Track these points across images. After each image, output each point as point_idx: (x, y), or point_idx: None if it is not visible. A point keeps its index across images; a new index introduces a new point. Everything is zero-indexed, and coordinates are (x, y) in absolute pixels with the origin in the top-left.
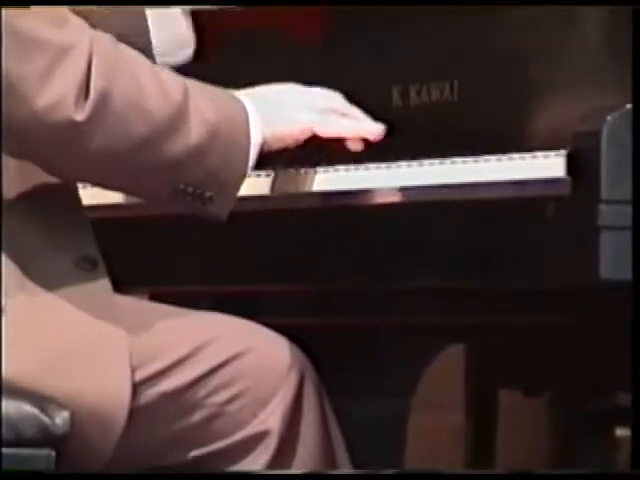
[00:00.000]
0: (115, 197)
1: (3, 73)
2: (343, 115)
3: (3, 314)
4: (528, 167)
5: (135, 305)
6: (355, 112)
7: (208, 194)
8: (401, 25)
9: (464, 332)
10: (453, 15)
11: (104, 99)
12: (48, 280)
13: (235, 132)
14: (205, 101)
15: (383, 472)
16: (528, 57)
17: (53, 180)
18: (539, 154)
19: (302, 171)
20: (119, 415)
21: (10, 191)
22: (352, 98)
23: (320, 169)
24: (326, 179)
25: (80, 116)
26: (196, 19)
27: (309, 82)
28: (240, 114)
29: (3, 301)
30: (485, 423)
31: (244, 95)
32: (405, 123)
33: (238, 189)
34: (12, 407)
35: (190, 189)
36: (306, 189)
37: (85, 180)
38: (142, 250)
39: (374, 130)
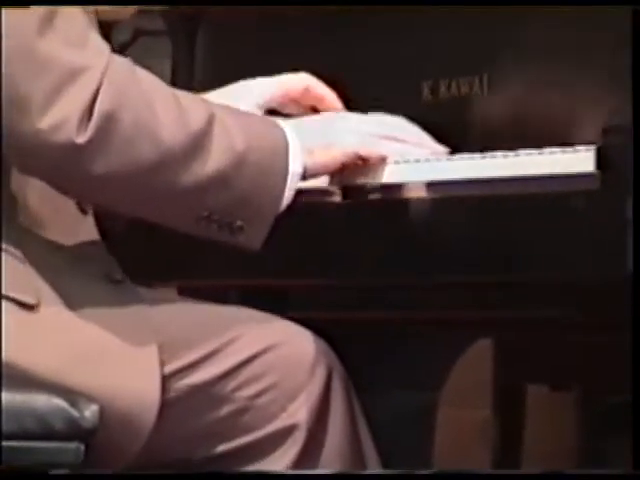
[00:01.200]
0: None
1: (6, 88)
2: (394, 139)
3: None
4: (558, 162)
5: (165, 299)
6: (416, 135)
7: (238, 223)
8: (431, 20)
9: (492, 327)
10: (482, 8)
11: (109, 122)
12: (80, 285)
13: (269, 160)
14: (234, 129)
15: (388, 473)
16: (558, 52)
17: (74, 207)
18: (569, 149)
19: None
20: (149, 412)
21: (36, 210)
22: (382, 94)
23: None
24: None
25: (81, 139)
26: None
27: (337, 78)
28: (277, 142)
29: (31, 299)
30: (513, 418)
31: (289, 122)
32: (435, 118)
33: (271, 219)
34: (42, 400)
35: (216, 216)
36: (335, 184)
37: (96, 202)
38: (171, 244)
39: (414, 154)
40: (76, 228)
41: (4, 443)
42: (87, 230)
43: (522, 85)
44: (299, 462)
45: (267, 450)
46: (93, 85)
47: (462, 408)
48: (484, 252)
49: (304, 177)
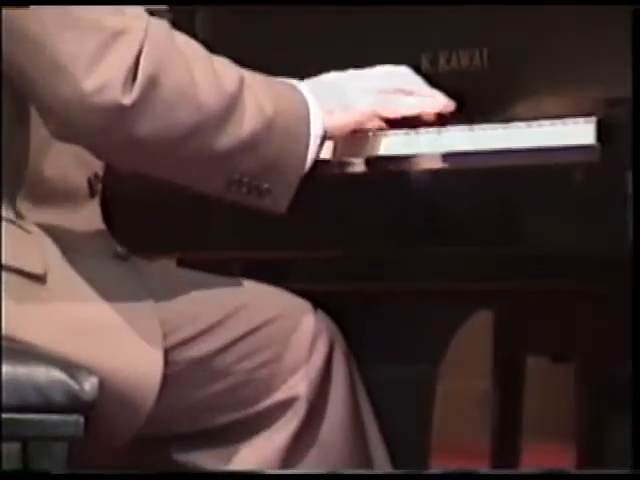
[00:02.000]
0: None
1: (43, 55)
2: (408, 93)
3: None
4: (557, 134)
5: (165, 272)
6: (421, 87)
7: (265, 186)
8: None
9: (492, 298)
10: None
11: (152, 85)
12: (86, 259)
13: (294, 124)
14: (262, 92)
15: (387, 473)
16: (559, 25)
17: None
18: (569, 121)
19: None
20: (151, 386)
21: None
22: (382, 64)
23: (347, 137)
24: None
25: (127, 100)
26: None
27: (335, 50)
28: (300, 106)
29: (39, 270)
30: (513, 389)
31: (304, 85)
32: (436, 90)
33: (296, 182)
34: (41, 373)
35: (246, 180)
36: (337, 155)
37: (133, 166)
38: (171, 216)
39: (438, 103)
40: (83, 208)
41: (4, 415)
42: (92, 213)
43: (522, 58)
44: (300, 434)
45: (268, 422)
46: (135, 47)
47: (462, 380)
48: (484, 224)
49: (323, 139)
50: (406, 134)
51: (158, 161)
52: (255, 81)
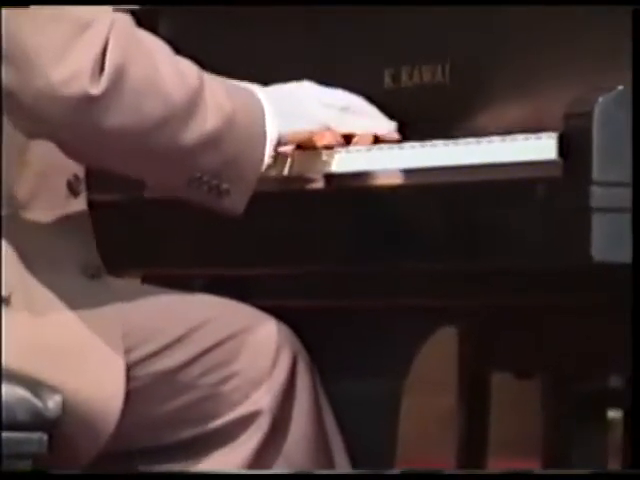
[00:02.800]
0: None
1: (10, 48)
2: (360, 114)
3: (3, 305)
4: (520, 149)
5: (129, 288)
6: (371, 111)
7: (224, 186)
8: (394, 7)
9: (456, 314)
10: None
11: (120, 75)
12: (52, 279)
13: (251, 125)
14: (221, 91)
15: (384, 473)
16: (520, 39)
17: (59, 185)
18: (531, 136)
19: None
20: (114, 403)
21: (25, 192)
22: (345, 80)
23: (306, 152)
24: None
25: (95, 90)
26: None
27: (299, 65)
28: (256, 108)
29: (3, 292)
30: (477, 405)
31: (261, 91)
32: (396, 105)
33: (254, 183)
34: (5, 391)
35: (206, 178)
36: (293, 172)
37: (99, 161)
38: (134, 232)
39: (385, 128)
40: (63, 210)
41: None
42: (75, 219)
43: (484, 73)
44: (264, 448)
45: (232, 436)
46: (102, 38)
47: (427, 396)
48: (447, 239)
49: (277, 145)
50: (368, 150)
51: (124, 154)
52: (213, 80)
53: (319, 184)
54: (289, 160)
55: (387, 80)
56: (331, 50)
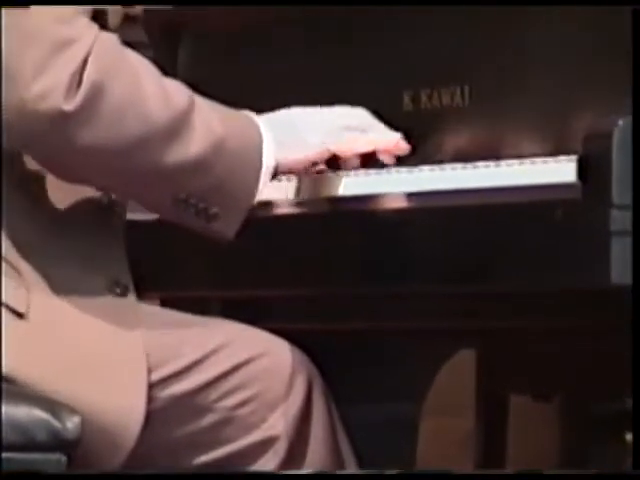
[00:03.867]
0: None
1: (3, 66)
2: (362, 131)
3: (18, 319)
4: (539, 172)
5: (149, 310)
6: (375, 126)
7: (213, 210)
8: (413, 30)
9: (474, 337)
10: (464, 20)
11: (97, 93)
12: (77, 296)
13: (245, 151)
14: (213, 116)
15: (386, 472)
16: (539, 62)
17: (98, 197)
18: (550, 159)
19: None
20: (134, 424)
21: (54, 200)
22: (363, 103)
23: (327, 175)
24: (333, 185)
25: (69, 106)
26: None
27: (317, 87)
28: (252, 133)
29: (20, 308)
30: (495, 428)
31: (259, 118)
32: (416, 128)
33: (246, 209)
34: (23, 411)
35: (193, 200)
36: (313, 195)
37: (75, 177)
38: (152, 256)
39: (388, 140)
40: (97, 222)
41: None
42: (106, 233)
43: (503, 96)
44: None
45: (248, 461)
46: (81, 55)
47: (445, 418)
48: (465, 262)
49: (275, 173)
50: (387, 172)
51: (102, 173)
52: (207, 106)
53: (332, 206)
54: (296, 184)
55: (406, 102)
56: (351, 72)
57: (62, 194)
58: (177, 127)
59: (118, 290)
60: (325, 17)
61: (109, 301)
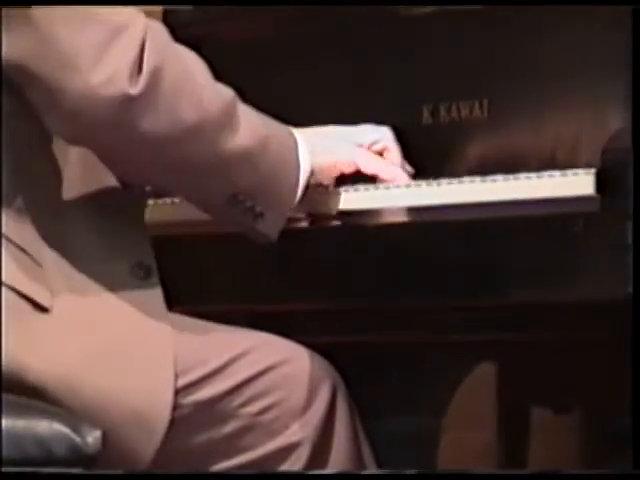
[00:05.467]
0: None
1: (48, 49)
2: (385, 154)
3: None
4: (557, 185)
5: (173, 318)
6: (394, 153)
7: (259, 209)
8: (431, 43)
9: (495, 349)
10: (482, 34)
11: (157, 76)
12: (100, 283)
13: (285, 153)
14: (254, 116)
15: (400, 473)
16: (556, 75)
17: (115, 184)
18: (568, 172)
19: (330, 190)
20: (156, 435)
21: (72, 189)
22: (383, 117)
23: (347, 188)
24: (354, 198)
25: (134, 90)
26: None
27: (340, 102)
28: (290, 139)
29: (45, 302)
30: (516, 441)
31: (293, 129)
32: (435, 141)
33: (288, 208)
34: (44, 426)
35: (242, 197)
36: (335, 208)
37: (137, 170)
38: (178, 269)
39: (399, 178)
40: (117, 206)
41: (4, 469)
42: (128, 209)
43: (522, 109)
44: None
45: (271, 467)
46: (138, 40)
47: (465, 431)
48: (485, 275)
49: (309, 181)
50: (406, 187)
51: (161, 162)
52: (247, 107)
53: (359, 221)
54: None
55: (426, 116)
56: (370, 85)
57: (80, 183)
58: (228, 118)
59: (141, 273)
60: (343, 31)
61: (133, 285)
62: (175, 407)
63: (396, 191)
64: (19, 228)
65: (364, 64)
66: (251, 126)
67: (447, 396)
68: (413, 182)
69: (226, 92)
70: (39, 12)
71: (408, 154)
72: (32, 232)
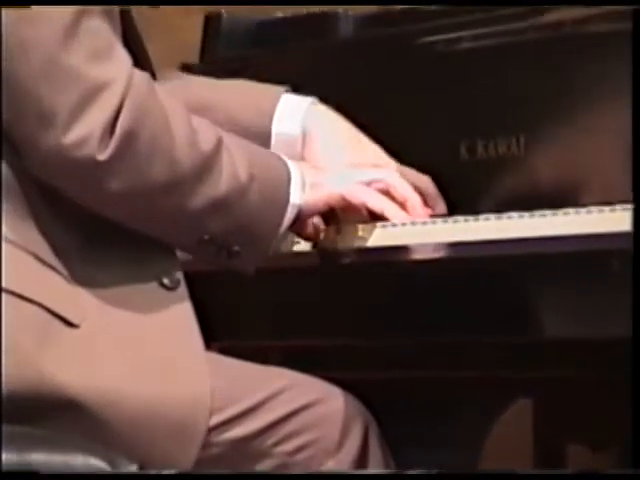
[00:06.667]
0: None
1: (29, 102)
2: (392, 192)
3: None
4: (594, 221)
5: (208, 356)
6: (400, 191)
7: (235, 248)
8: (469, 80)
9: (532, 386)
10: (519, 69)
11: (129, 140)
12: (128, 296)
13: (271, 190)
14: (240, 156)
15: (383, 473)
16: (593, 110)
17: None
18: (605, 208)
19: (360, 226)
20: (201, 417)
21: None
22: (421, 152)
23: (383, 223)
24: (389, 234)
25: (102, 156)
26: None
27: (377, 136)
28: (280, 172)
29: (74, 319)
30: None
31: (292, 162)
32: (472, 177)
33: (268, 247)
34: (80, 460)
35: (215, 240)
36: (368, 244)
37: (110, 217)
38: (212, 305)
39: (389, 212)
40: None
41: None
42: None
43: (558, 145)
44: None
45: None
46: (116, 101)
47: (503, 468)
48: (521, 311)
49: (298, 215)
50: (444, 222)
51: (131, 215)
52: (234, 144)
53: (393, 257)
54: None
55: (463, 152)
56: (408, 122)
57: None
58: (202, 172)
59: (169, 283)
60: (380, 66)
61: (161, 296)
62: (209, 446)
63: (430, 227)
64: (45, 243)
65: (402, 99)
66: (232, 172)
67: (483, 433)
68: (450, 218)
69: (208, 140)
70: (21, 68)
71: (445, 190)
72: (58, 247)
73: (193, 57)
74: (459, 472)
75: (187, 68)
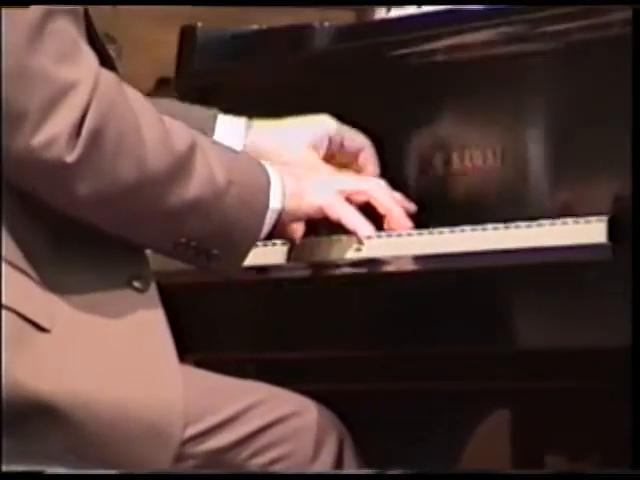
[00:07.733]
0: (158, 263)
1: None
2: (373, 203)
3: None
4: (570, 232)
5: (183, 369)
6: (381, 204)
7: (214, 252)
8: (446, 91)
9: (509, 397)
10: (494, 81)
11: (96, 140)
12: (98, 298)
13: (250, 194)
14: (217, 160)
15: (389, 473)
16: (570, 122)
17: None
18: (581, 219)
19: (344, 237)
20: (175, 430)
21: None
22: (395, 165)
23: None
24: (369, 246)
25: (70, 157)
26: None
27: None
28: (259, 177)
29: (45, 323)
30: None
31: (272, 168)
32: (448, 190)
33: (247, 251)
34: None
35: (193, 243)
36: (347, 256)
37: (83, 218)
38: (187, 317)
39: (362, 230)
40: None
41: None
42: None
43: (535, 157)
44: None
45: None
46: (83, 102)
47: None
48: (500, 323)
49: (277, 220)
50: (419, 234)
51: (103, 217)
52: (211, 148)
53: (370, 269)
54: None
55: (438, 164)
56: (383, 133)
57: None
58: (175, 172)
59: (140, 285)
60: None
61: (132, 297)
62: (184, 457)
63: (404, 240)
64: (15, 247)
65: (377, 112)
66: (207, 174)
67: (460, 445)
68: (426, 230)
69: (180, 143)
70: None
71: (420, 203)
72: (28, 251)
73: (170, 72)
74: (438, 472)
75: (164, 82)
